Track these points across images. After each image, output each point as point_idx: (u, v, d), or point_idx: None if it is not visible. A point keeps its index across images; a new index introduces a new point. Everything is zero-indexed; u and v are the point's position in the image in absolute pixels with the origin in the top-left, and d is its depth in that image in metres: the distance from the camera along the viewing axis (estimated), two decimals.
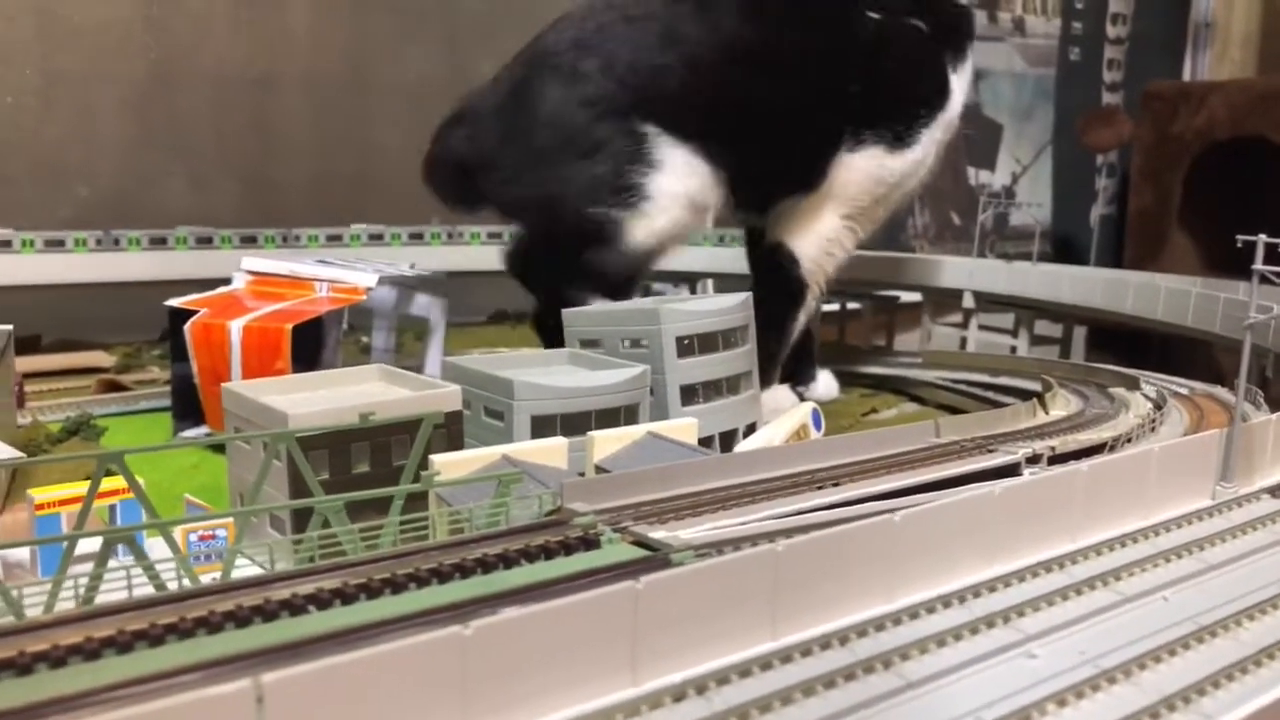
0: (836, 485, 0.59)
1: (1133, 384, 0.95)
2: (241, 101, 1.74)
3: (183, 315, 1.02)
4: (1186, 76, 2.73)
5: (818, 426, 0.96)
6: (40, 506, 0.66)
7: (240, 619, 0.41)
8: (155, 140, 1.68)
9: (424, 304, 1.22)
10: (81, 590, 0.50)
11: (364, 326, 1.35)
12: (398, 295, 1.22)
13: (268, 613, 0.42)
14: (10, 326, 0.94)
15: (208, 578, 0.54)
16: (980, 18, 2.30)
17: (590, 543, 0.51)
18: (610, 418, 0.80)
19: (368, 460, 0.70)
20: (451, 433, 0.74)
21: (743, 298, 0.96)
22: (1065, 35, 2.49)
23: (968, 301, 1.51)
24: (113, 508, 0.69)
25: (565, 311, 0.96)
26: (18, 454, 0.74)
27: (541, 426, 0.77)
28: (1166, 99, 2.26)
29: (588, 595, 0.36)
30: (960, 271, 1.53)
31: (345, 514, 0.56)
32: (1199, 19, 2.71)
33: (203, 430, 1.03)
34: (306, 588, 0.43)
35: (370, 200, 1.87)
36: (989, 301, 1.50)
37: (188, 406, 1.03)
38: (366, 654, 0.32)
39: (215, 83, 1.72)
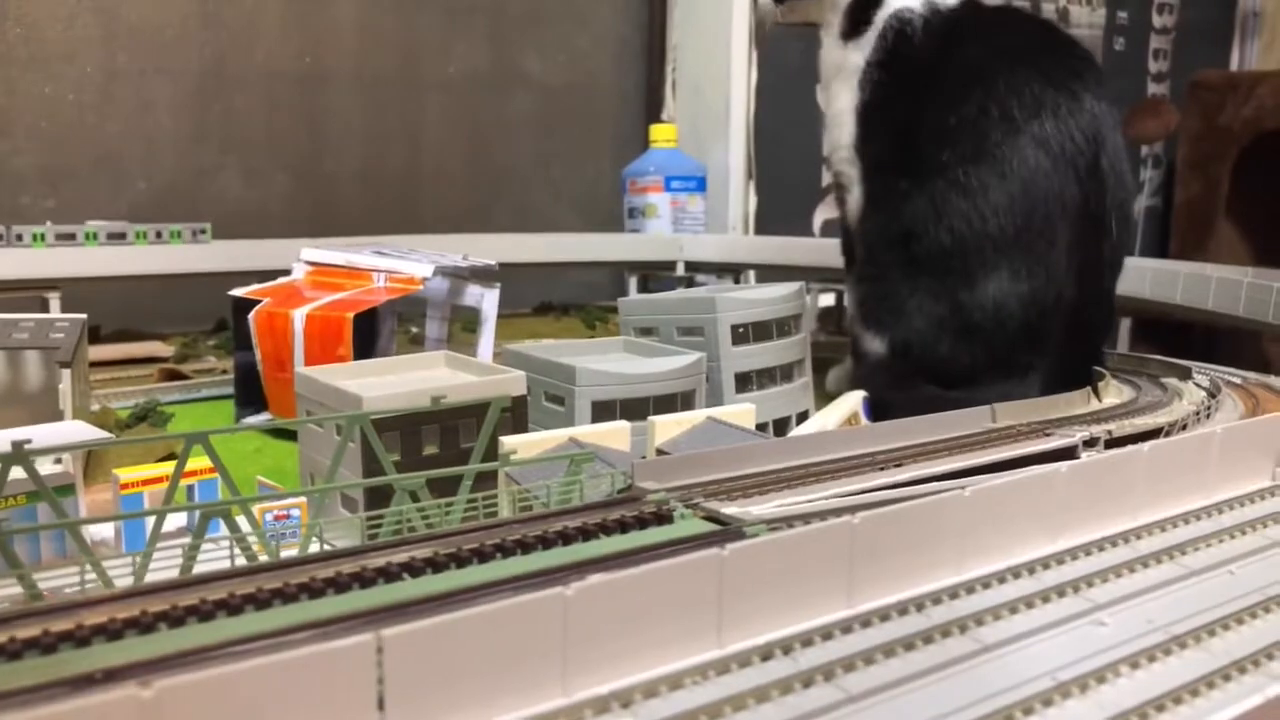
0: (899, 466, 0.61)
1: (1184, 373, 0.95)
2: (291, 96, 1.78)
3: (246, 305, 1.05)
4: (1234, 66, 2.71)
5: (869, 415, 0.97)
6: (125, 486, 0.69)
7: (340, 585, 0.43)
8: (209, 134, 1.72)
9: (476, 294, 1.24)
10: (171, 562, 0.53)
11: (415, 316, 1.37)
12: (450, 285, 1.24)
13: (365, 579, 0.44)
14: (84, 316, 0.97)
15: (284, 555, 0.57)
16: (1024, 9, 2.30)
17: (663, 518, 0.52)
18: (667, 403, 0.82)
19: (437, 442, 0.72)
20: (516, 416, 0.76)
21: (795, 287, 0.97)
22: (1110, 25, 2.47)
23: None
24: (191, 487, 0.72)
25: (621, 301, 0.97)
26: (105, 434, 0.76)
27: (601, 411, 0.79)
28: (1214, 89, 2.24)
29: (677, 561, 0.38)
30: None
31: (425, 491, 0.58)
32: (1247, 8, 2.68)
33: (264, 416, 1.06)
34: (400, 557, 0.45)
35: (418, 193, 1.91)
36: None
37: (250, 393, 1.06)
38: (477, 611, 0.33)
39: (266, 78, 1.75)
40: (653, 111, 2.05)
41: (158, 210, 1.66)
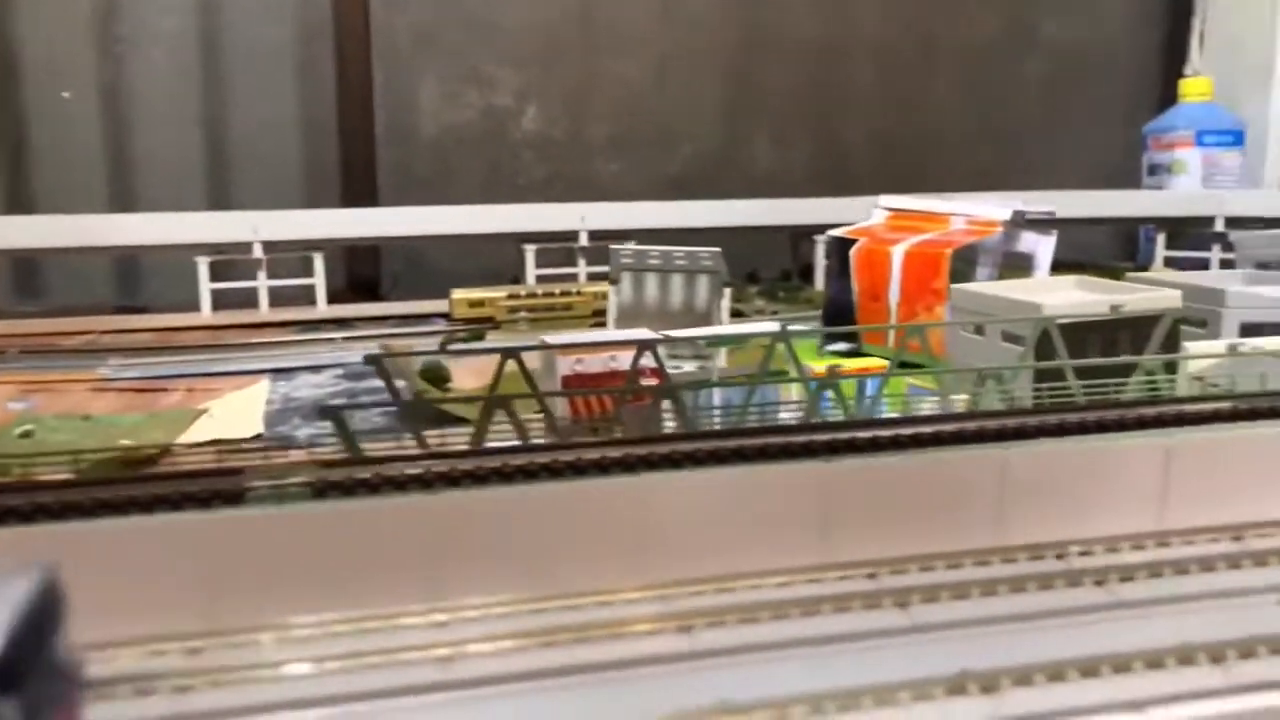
0: None
1: None
2: (814, 67, 1.91)
3: (844, 243, 1.17)
4: None
5: None
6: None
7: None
8: (743, 105, 1.89)
9: (1032, 241, 1.28)
10: None
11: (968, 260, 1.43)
12: (1006, 233, 1.29)
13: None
14: (718, 249, 1.14)
15: None
16: None
17: None
18: None
19: (1099, 352, 0.78)
20: (1170, 335, 0.79)
21: None
22: None
23: None
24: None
25: (1236, 234, 0.98)
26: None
27: (1249, 334, 0.81)
28: None
29: None
30: None
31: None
32: None
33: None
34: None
35: (925, 156, 1.97)
36: None
37: (837, 325, 1.18)
38: None
39: (792, 51, 1.90)
40: (1170, 67, 1.97)
41: (699, 175, 1.86)
